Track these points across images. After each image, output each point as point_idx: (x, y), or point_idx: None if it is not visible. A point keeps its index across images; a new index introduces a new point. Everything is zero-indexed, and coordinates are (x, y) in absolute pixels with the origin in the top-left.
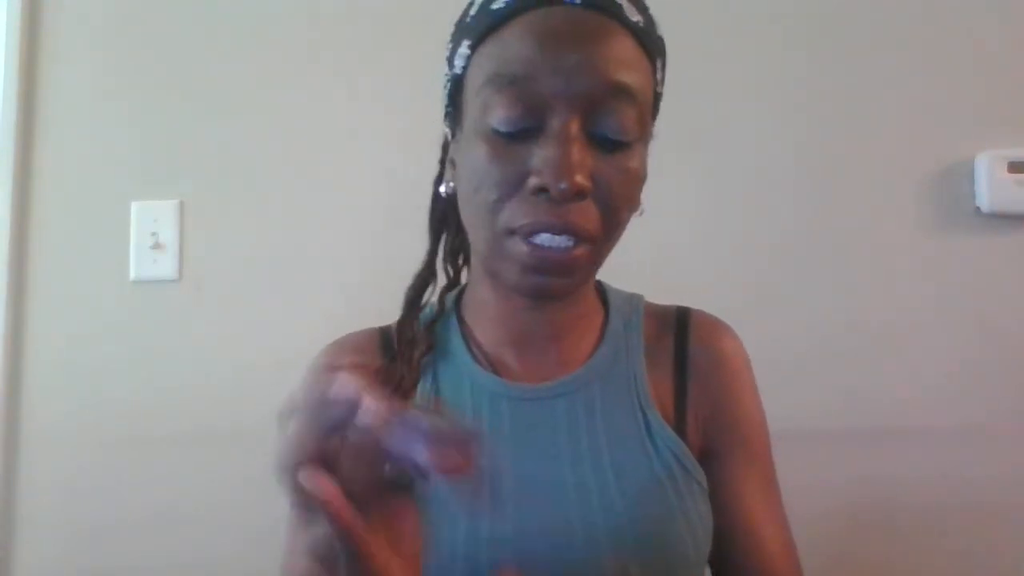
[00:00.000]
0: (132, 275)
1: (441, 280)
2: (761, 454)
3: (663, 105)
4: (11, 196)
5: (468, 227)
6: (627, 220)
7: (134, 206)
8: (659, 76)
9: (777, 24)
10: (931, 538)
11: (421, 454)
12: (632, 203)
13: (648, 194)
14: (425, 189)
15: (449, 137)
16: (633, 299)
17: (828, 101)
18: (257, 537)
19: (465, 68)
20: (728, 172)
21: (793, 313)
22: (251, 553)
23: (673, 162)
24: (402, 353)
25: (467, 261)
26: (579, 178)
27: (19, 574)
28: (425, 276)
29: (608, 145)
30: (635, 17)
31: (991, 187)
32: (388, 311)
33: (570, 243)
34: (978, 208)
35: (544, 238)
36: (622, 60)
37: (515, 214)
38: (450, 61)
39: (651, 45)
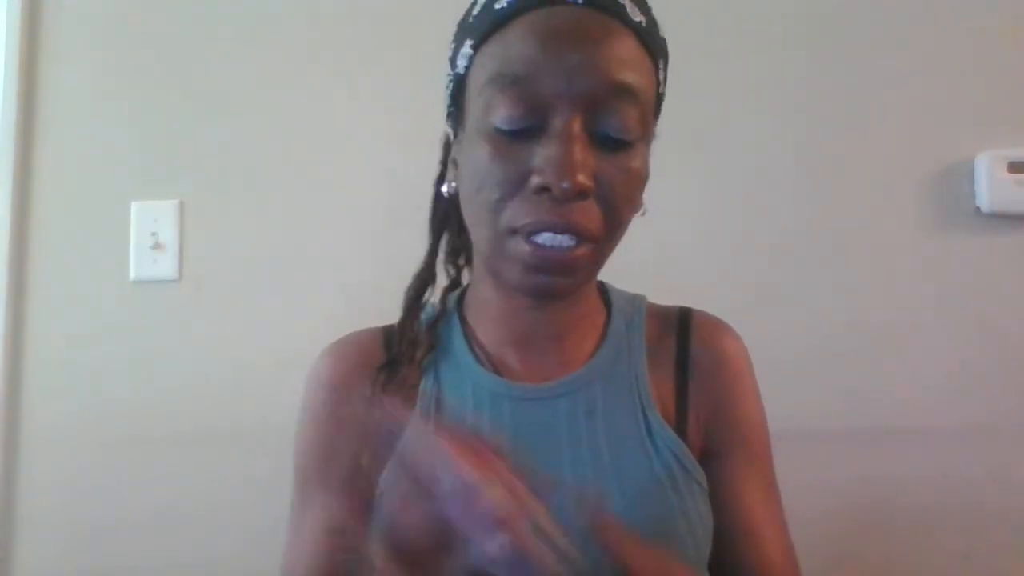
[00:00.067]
0: (132, 275)
1: (442, 280)
2: (761, 455)
3: (664, 105)
4: (11, 196)
5: (470, 227)
6: (629, 220)
7: (134, 206)
8: (661, 76)
9: (777, 24)
10: (931, 538)
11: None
12: (634, 203)
13: (649, 194)
14: (425, 189)
15: (451, 137)
16: (635, 300)
17: (828, 101)
18: (257, 537)
19: (468, 68)
20: (728, 172)
21: (793, 313)
22: (251, 553)
23: (673, 162)
24: (404, 353)
25: (469, 261)
26: (581, 177)
27: (19, 574)
28: (424, 276)
29: (610, 145)
30: (637, 17)
31: (991, 187)
32: (388, 311)
33: (572, 243)
34: (978, 208)
35: (546, 237)
36: (624, 60)
37: (517, 213)
38: (452, 61)
39: (653, 45)
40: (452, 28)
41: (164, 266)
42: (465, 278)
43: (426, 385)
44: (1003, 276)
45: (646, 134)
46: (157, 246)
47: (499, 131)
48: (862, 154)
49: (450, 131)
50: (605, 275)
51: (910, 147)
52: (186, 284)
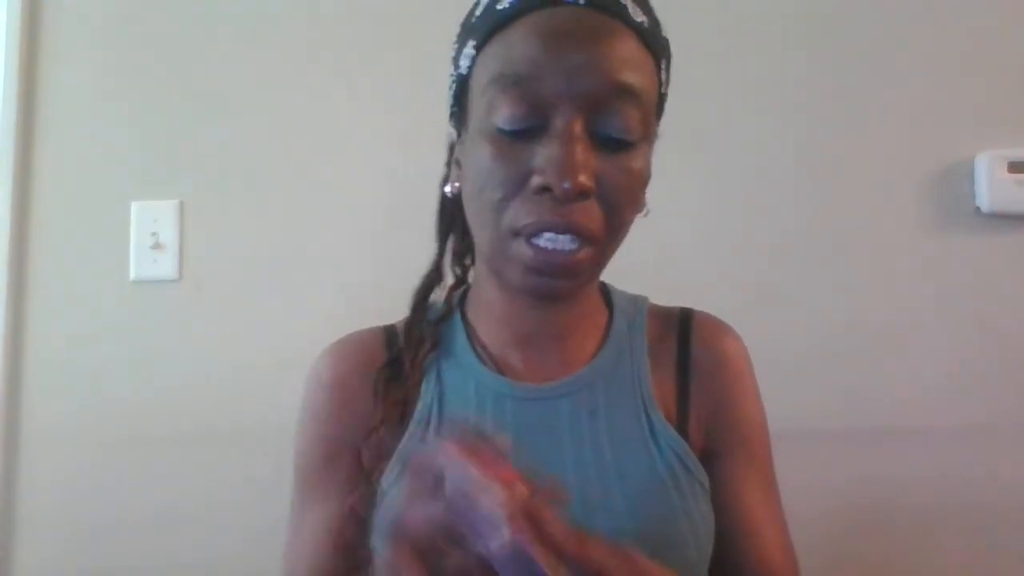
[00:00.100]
0: (132, 275)
1: (448, 281)
2: (761, 455)
3: (664, 105)
4: (11, 196)
5: (473, 227)
6: (631, 220)
7: (134, 206)
8: (663, 76)
9: (777, 24)
10: (931, 538)
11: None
12: (636, 203)
13: (649, 194)
14: (425, 189)
15: (455, 138)
16: (637, 300)
17: (828, 101)
18: (257, 537)
19: (470, 68)
20: (728, 172)
21: (793, 313)
22: (251, 553)
23: (673, 162)
24: (408, 351)
25: (475, 262)
26: (582, 178)
27: (19, 574)
28: (432, 277)
29: (612, 145)
30: (639, 17)
31: (991, 187)
32: (388, 311)
33: (573, 245)
34: (978, 208)
35: (547, 239)
36: (626, 60)
37: (519, 214)
38: (455, 61)
39: (655, 45)
40: (452, 28)
41: (164, 266)
42: (470, 279)
43: (428, 385)
44: (1003, 276)
45: (648, 134)
46: (157, 246)
47: (501, 131)
48: (862, 154)
49: (453, 132)
50: (605, 275)
51: (910, 147)
52: (186, 284)
